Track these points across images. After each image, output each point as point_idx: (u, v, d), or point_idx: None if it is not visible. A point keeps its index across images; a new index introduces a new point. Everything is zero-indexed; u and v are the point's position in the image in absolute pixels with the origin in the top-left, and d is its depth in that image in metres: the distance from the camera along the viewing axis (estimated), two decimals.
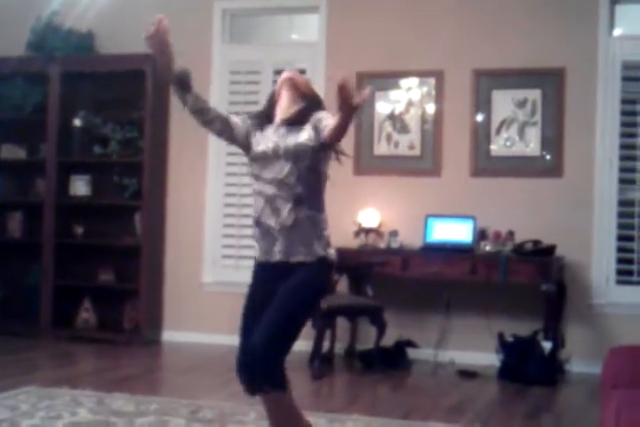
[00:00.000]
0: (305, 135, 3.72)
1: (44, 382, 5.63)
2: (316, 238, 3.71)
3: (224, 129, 3.95)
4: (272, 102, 3.98)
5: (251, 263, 7.44)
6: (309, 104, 3.87)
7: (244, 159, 7.56)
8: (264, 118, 3.93)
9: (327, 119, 3.65)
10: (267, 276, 3.77)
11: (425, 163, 7.13)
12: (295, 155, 3.68)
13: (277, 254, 3.70)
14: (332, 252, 3.77)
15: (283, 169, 3.69)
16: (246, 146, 3.89)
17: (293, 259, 3.68)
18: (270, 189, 3.70)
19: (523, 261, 6.43)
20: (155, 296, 7.61)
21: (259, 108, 6.77)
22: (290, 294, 3.65)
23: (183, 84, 3.93)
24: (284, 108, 3.89)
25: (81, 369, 6.70)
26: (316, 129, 3.69)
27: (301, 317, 3.71)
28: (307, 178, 3.70)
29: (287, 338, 3.65)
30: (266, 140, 3.79)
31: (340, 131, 3.52)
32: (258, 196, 3.76)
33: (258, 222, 3.76)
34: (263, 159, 3.75)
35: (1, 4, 8.09)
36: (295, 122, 3.80)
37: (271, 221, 3.70)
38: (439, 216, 6.88)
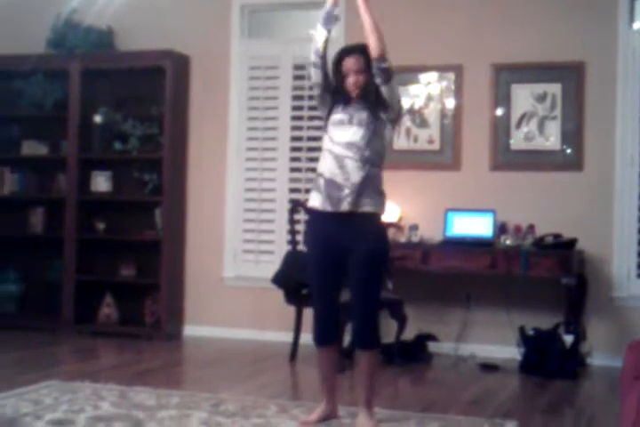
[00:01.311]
0: (377, 109, 4.43)
1: (67, 376, 5.67)
2: (378, 192, 4.45)
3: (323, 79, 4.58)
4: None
5: (271, 258, 7.53)
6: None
7: (264, 154, 7.62)
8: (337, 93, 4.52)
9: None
10: (330, 225, 4.43)
11: (444, 157, 7.13)
12: (369, 124, 4.40)
13: (347, 204, 4.36)
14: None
15: (357, 134, 4.39)
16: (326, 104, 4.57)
17: (361, 209, 4.38)
18: (341, 150, 4.39)
19: (543, 254, 6.42)
20: (176, 291, 7.64)
21: (278, 103, 6.99)
22: (370, 264, 4.41)
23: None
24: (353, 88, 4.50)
25: (103, 363, 6.74)
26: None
27: (381, 278, 4.73)
28: (374, 142, 4.41)
29: (378, 300, 4.54)
30: (342, 112, 4.46)
31: (371, 33, 4.50)
32: (328, 154, 4.44)
33: (324, 178, 4.42)
34: (342, 124, 4.43)
35: (21, 3, 8.13)
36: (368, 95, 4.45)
37: (340, 178, 4.37)
38: (459, 210, 6.88)
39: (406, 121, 7.17)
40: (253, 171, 7.63)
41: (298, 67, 7.55)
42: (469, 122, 7.06)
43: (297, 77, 7.54)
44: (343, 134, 4.42)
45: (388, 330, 6.65)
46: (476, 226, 6.81)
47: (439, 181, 7.10)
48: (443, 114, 7.15)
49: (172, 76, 7.52)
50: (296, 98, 7.52)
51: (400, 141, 7.19)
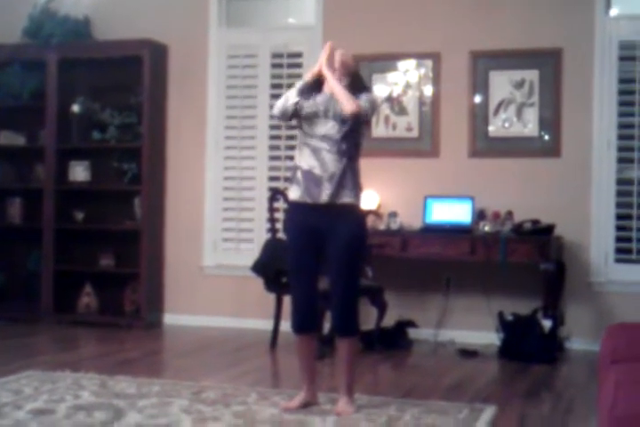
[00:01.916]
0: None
1: (47, 366, 5.66)
2: (356, 184, 4.50)
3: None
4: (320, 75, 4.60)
5: (250, 246, 7.54)
6: (352, 81, 4.63)
7: (243, 143, 7.64)
8: (314, 87, 4.58)
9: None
10: (310, 215, 4.49)
11: (423, 144, 7.15)
12: (341, 118, 4.45)
13: (326, 197, 4.43)
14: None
15: (333, 127, 4.46)
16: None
17: (339, 200, 4.45)
18: (317, 143, 4.46)
19: (522, 240, 6.45)
20: (155, 280, 7.64)
21: (256, 91, 7.00)
22: (349, 250, 4.47)
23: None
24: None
25: (83, 353, 6.73)
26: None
27: (360, 264, 4.72)
28: (350, 135, 4.48)
29: (357, 287, 4.57)
30: (317, 104, 4.51)
31: (340, 100, 4.45)
32: (305, 147, 4.50)
33: (302, 170, 4.48)
34: (314, 118, 4.49)
35: None
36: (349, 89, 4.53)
37: (318, 170, 4.44)
38: (438, 197, 6.90)
39: (385, 109, 7.18)
40: (232, 159, 7.63)
41: (276, 55, 7.54)
42: (448, 109, 7.07)
43: (275, 66, 7.53)
44: (318, 128, 4.49)
45: (368, 317, 6.67)
46: (454, 213, 6.84)
47: (418, 168, 7.11)
48: (421, 101, 7.16)
49: (150, 65, 7.50)
50: (275, 86, 7.51)
51: (379, 129, 7.20)
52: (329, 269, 4.54)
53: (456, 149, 7.04)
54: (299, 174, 4.52)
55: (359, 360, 5.14)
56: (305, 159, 4.50)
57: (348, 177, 4.47)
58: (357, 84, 4.64)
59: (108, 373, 5.41)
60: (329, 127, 4.47)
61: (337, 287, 4.51)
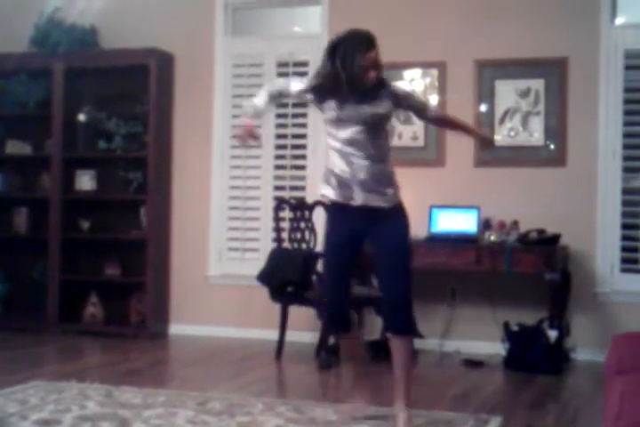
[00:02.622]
0: (384, 105, 4.37)
1: (52, 376, 5.67)
2: (389, 186, 4.41)
3: (284, 98, 4.65)
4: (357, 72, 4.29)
5: (256, 256, 7.54)
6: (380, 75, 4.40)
7: (249, 152, 7.62)
8: (338, 86, 4.31)
9: (413, 97, 4.57)
10: (348, 215, 4.43)
11: (429, 153, 7.15)
12: (371, 121, 4.33)
13: (358, 200, 4.36)
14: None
15: (359, 131, 4.32)
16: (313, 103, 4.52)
17: (372, 203, 4.38)
18: (346, 147, 4.34)
19: (527, 250, 6.44)
20: (161, 290, 7.64)
21: None
22: (398, 246, 4.43)
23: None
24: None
25: (88, 363, 6.72)
26: (398, 99, 4.43)
27: (410, 259, 4.58)
28: (377, 138, 4.37)
29: (411, 286, 4.51)
30: (343, 106, 4.33)
31: (449, 127, 4.93)
32: (334, 151, 4.40)
33: (334, 174, 4.40)
34: (341, 122, 4.34)
35: (3, 1, 8.11)
36: (370, 91, 4.36)
37: (347, 174, 4.35)
38: (443, 207, 6.89)
39: None
40: (238, 169, 7.64)
41: (281, 64, 7.56)
42: None
43: (281, 75, 7.53)
44: (344, 132, 4.37)
45: (374, 327, 6.68)
46: (460, 222, 6.83)
47: (423, 177, 7.10)
48: None
49: (156, 74, 7.51)
50: None
51: None
52: (381, 270, 4.50)
53: (462, 158, 7.04)
54: (331, 177, 4.44)
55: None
56: (336, 163, 4.41)
57: (380, 181, 4.39)
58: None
59: (114, 383, 5.41)
60: (355, 131, 4.34)
61: (393, 287, 4.43)
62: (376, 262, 4.52)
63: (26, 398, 4.97)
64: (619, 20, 6.86)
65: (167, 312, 7.71)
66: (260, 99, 4.45)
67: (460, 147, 7.01)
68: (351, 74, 4.24)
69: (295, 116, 7.47)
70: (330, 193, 4.47)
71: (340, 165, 4.38)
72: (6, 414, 4.59)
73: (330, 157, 4.47)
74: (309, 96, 4.46)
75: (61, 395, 5.06)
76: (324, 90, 4.37)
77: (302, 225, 6.76)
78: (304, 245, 6.73)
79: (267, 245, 7.34)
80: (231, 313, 7.55)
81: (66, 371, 5.93)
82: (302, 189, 7.47)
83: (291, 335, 6.74)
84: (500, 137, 6.98)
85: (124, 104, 7.73)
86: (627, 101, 6.76)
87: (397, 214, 4.49)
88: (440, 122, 4.97)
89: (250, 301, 7.40)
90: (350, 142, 4.36)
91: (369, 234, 4.47)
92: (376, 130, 4.39)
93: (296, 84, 4.50)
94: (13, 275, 7.98)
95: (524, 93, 6.95)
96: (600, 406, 4.04)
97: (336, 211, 4.52)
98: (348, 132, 4.35)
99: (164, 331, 7.66)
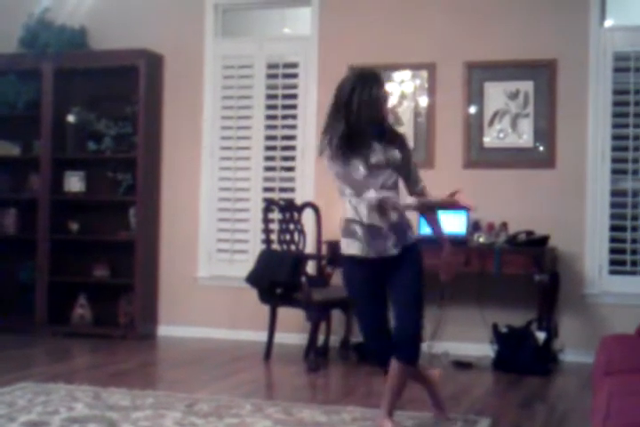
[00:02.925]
0: (398, 152, 4.37)
1: (41, 377, 5.65)
2: (408, 227, 4.44)
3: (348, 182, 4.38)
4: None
5: (245, 257, 7.50)
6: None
7: (238, 153, 7.59)
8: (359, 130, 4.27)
9: (413, 165, 4.52)
10: (373, 270, 4.38)
11: (418, 155, 7.10)
12: (395, 165, 4.34)
13: (393, 248, 4.33)
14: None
15: (390, 176, 4.32)
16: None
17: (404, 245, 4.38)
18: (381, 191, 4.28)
19: (516, 251, 6.45)
20: (150, 291, 7.63)
21: (252, 102, 6.95)
22: (412, 281, 4.43)
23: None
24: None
25: (77, 364, 6.72)
26: (403, 154, 4.40)
27: (422, 294, 4.49)
28: (395, 181, 4.37)
29: (422, 316, 4.48)
30: (374, 153, 4.28)
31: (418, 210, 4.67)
32: (361, 201, 4.28)
33: (363, 224, 4.29)
34: (376, 169, 4.27)
35: None
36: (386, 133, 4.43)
37: (379, 222, 4.29)
38: None
39: None
40: (227, 170, 7.63)
41: (272, 66, 7.55)
42: (442, 120, 7.08)
43: (271, 76, 7.54)
44: (375, 180, 4.28)
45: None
46: (449, 224, 6.81)
47: None
48: (416, 112, 7.17)
49: (146, 75, 7.50)
50: (270, 97, 7.52)
51: None
52: (394, 303, 4.46)
53: (451, 159, 7.05)
54: (356, 228, 4.32)
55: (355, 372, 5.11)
56: (360, 212, 4.29)
57: (402, 221, 4.37)
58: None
59: (102, 384, 5.40)
60: (387, 176, 4.30)
61: (406, 320, 4.41)
62: (389, 296, 4.49)
63: (14, 400, 4.96)
64: (608, 23, 6.88)
65: (156, 314, 7.70)
66: (369, 194, 4.31)
67: (449, 148, 7.03)
68: (375, 107, 4.26)
69: (285, 117, 7.47)
70: (356, 251, 4.36)
71: (371, 215, 4.29)
72: None
73: (347, 207, 4.34)
74: (337, 163, 4.28)
75: (49, 397, 5.05)
76: (345, 139, 4.25)
77: (291, 227, 6.75)
78: (293, 247, 6.72)
79: (256, 247, 7.34)
80: (220, 315, 7.54)
81: (54, 373, 5.91)
82: (292, 190, 7.46)
83: (280, 337, 6.74)
84: (490, 139, 6.99)
85: (113, 105, 7.72)
86: (616, 103, 6.78)
87: (414, 249, 4.48)
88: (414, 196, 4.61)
89: (239, 302, 7.39)
90: (383, 188, 4.30)
91: (391, 271, 4.42)
92: (396, 174, 4.38)
93: (330, 167, 4.33)
94: (1, 276, 7.95)
95: (514, 95, 6.96)
96: (588, 406, 4.05)
97: (357, 264, 4.43)
98: (384, 177, 4.30)
99: (153, 332, 7.65)
